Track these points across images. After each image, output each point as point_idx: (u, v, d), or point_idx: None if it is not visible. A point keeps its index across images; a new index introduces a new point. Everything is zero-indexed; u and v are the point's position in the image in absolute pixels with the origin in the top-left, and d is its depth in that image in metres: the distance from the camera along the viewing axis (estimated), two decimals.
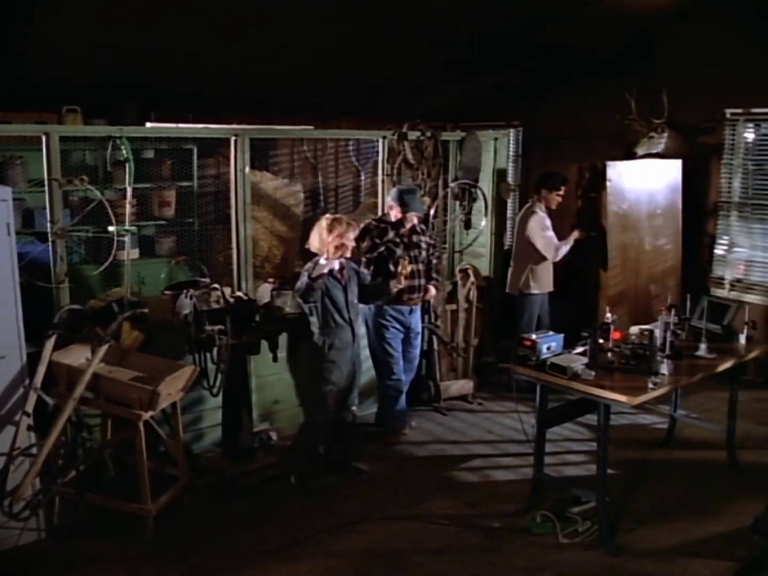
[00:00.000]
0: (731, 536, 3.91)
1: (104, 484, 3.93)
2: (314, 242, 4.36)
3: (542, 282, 5.99)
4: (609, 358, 4.11)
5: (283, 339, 4.82)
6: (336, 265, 4.31)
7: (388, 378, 5.18)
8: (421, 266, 5.13)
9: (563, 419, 4.50)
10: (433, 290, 5.30)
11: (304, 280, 4.21)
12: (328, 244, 4.25)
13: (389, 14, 5.58)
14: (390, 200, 5.08)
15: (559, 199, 5.95)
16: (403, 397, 5.27)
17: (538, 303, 6.03)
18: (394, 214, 5.03)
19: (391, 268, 4.92)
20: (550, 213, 6.00)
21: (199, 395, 4.59)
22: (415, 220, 5.11)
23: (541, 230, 5.86)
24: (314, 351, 4.40)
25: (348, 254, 4.38)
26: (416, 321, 5.26)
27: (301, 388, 5.13)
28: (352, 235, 4.33)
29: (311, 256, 4.71)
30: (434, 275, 5.34)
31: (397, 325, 5.12)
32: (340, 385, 4.43)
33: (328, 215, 4.44)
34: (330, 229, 4.27)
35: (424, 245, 5.20)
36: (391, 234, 5.00)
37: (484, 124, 7.16)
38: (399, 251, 4.98)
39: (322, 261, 4.21)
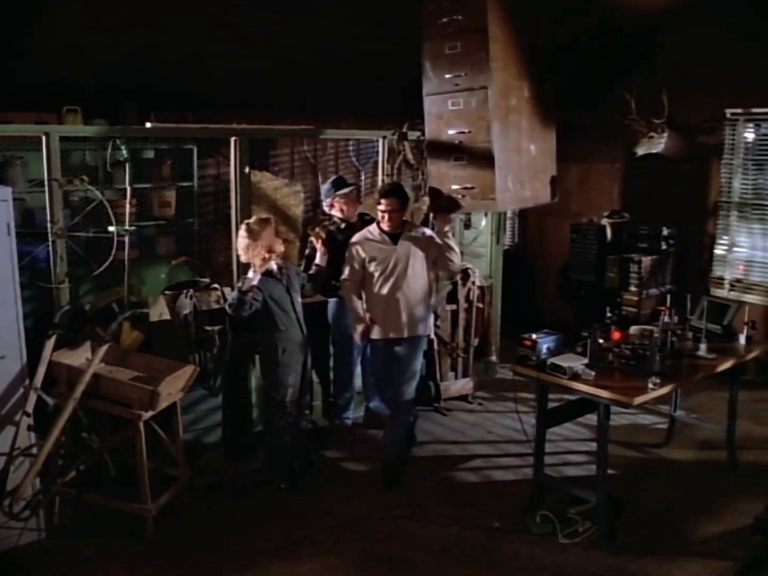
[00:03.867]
0: (731, 536, 3.91)
1: (104, 484, 3.92)
2: (242, 254, 4.25)
3: (376, 321, 4.52)
4: (609, 358, 4.11)
5: None
6: (273, 266, 4.24)
7: (343, 383, 5.10)
8: None
9: (563, 419, 4.50)
10: None
11: (234, 294, 4.15)
12: (255, 250, 4.15)
13: (390, 14, 5.58)
14: (326, 197, 4.94)
15: (385, 216, 4.42)
16: (350, 408, 5.20)
17: (377, 351, 4.63)
18: (338, 209, 4.91)
19: (356, 266, 4.82)
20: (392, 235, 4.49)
21: (199, 395, 4.59)
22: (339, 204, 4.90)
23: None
24: (267, 358, 4.35)
25: (281, 249, 4.28)
26: None
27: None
28: (271, 230, 4.23)
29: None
30: None
31: None
32: (297, 388, 4.38)
33: (244, 222, 4.30)
34: (251, 236, 4.16)
35: None
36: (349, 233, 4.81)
37: None
38: None
39: (250, 274, 4.14)
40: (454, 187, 4.43)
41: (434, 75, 4.44)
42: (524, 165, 4.55)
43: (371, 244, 4.49)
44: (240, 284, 4.20)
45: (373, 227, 4.55)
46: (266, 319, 4.28)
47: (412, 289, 4.47)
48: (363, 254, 4.48)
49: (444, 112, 4.43)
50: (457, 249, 4.58)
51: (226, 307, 4.26)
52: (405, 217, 4.63)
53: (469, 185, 4.38)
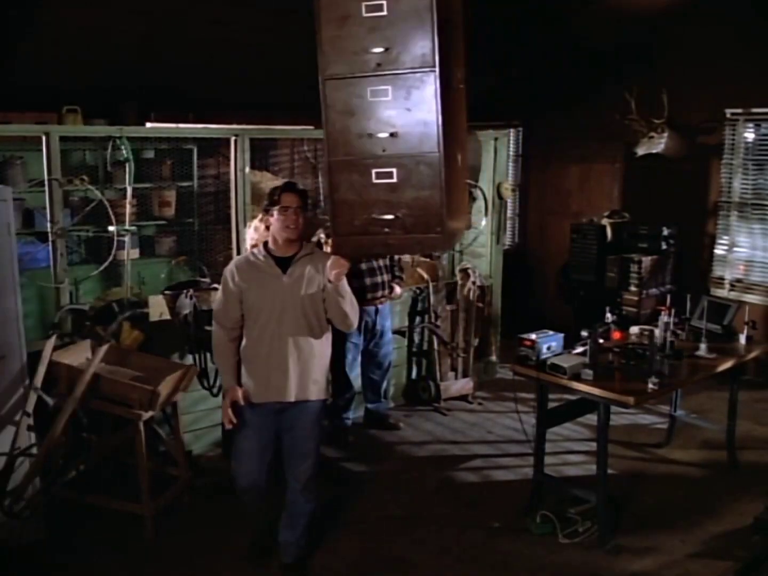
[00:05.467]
0: (731, 536, 3.91)
1: (104, 484, 3.92)
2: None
3: (254, 379, 3.34)
4: (609, 358, 4.11)
5: None
6: None
7: (343, 383, 5.04)
8: (381, 262, 4.94)
9: (563, 419, 4.50)
10: (398, 289, 5.13)
11: None
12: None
13: None
14: None
15: (289, 214, 3.24)
16: (350, 409, 5.18)
17: (254, 416, 3.36)
18: None
19: (363, 266, 4.80)
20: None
21: (199, 395, 4.58)
22: None
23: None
24: None
25: None
26: (382, 321, 5.08)
27: None
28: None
29: None
30: (397, 272, 5.16)
31: (361, 329, 4.91)
32: None
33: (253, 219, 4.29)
34: (257, 231, 4.19)
35: None
36: None
37: (484, 124, 7.16)
38: None
39: None
40: (373, 217, 2.97)
41: (339, 49, 2.90)
42: (458, 180, 3.22)
43: (252, 273, 3.30)
44: None
45: (259, 248, 3.39)
46: None
47: (304, 338, 3.29)
48: (240, 282, 3.29)
49: (357, 106, 2.93)
50: (349, 310, 3.29)
51: None
52: None
53: (398, 214, 2.94)
